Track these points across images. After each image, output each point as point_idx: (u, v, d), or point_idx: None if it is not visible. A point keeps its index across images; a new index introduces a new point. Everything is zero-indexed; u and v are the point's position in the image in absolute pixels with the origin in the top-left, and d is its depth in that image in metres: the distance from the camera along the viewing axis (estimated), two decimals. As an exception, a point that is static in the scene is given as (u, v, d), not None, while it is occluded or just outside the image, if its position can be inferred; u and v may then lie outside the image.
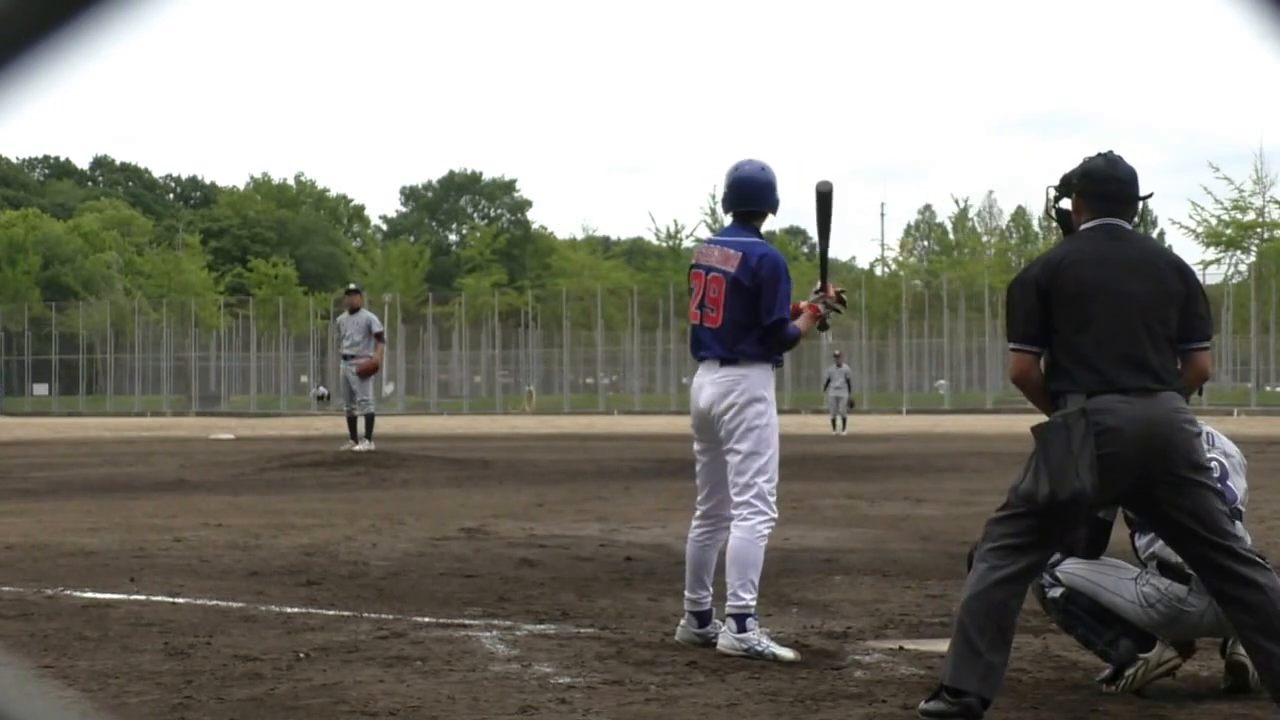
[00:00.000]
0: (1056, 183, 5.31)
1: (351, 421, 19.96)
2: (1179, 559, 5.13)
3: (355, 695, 5.25)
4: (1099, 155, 5.24)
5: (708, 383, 6.39)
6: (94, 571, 8.73)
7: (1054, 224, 5.47)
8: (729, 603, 6.16)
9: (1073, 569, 5.36)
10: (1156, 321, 4.92)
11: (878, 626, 6.84)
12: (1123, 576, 5.38)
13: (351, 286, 21.72)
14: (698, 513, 6.53)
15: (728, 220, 6.70)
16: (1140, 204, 5.20)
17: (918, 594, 7.88)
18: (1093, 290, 4.94)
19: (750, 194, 6.52)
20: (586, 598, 7.72)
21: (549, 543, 10.22)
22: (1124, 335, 4.88)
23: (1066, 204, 5.24)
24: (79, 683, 5.50)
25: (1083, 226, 5.12)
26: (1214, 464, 5.16)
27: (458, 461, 19.70)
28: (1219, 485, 4.97)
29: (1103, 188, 5.10)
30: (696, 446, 6.51)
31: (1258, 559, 4.84)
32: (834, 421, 33.39)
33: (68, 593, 7.85)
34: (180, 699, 5.20)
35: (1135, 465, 4.78)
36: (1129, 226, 5.13)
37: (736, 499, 6.25)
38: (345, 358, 19.85)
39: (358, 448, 19.53)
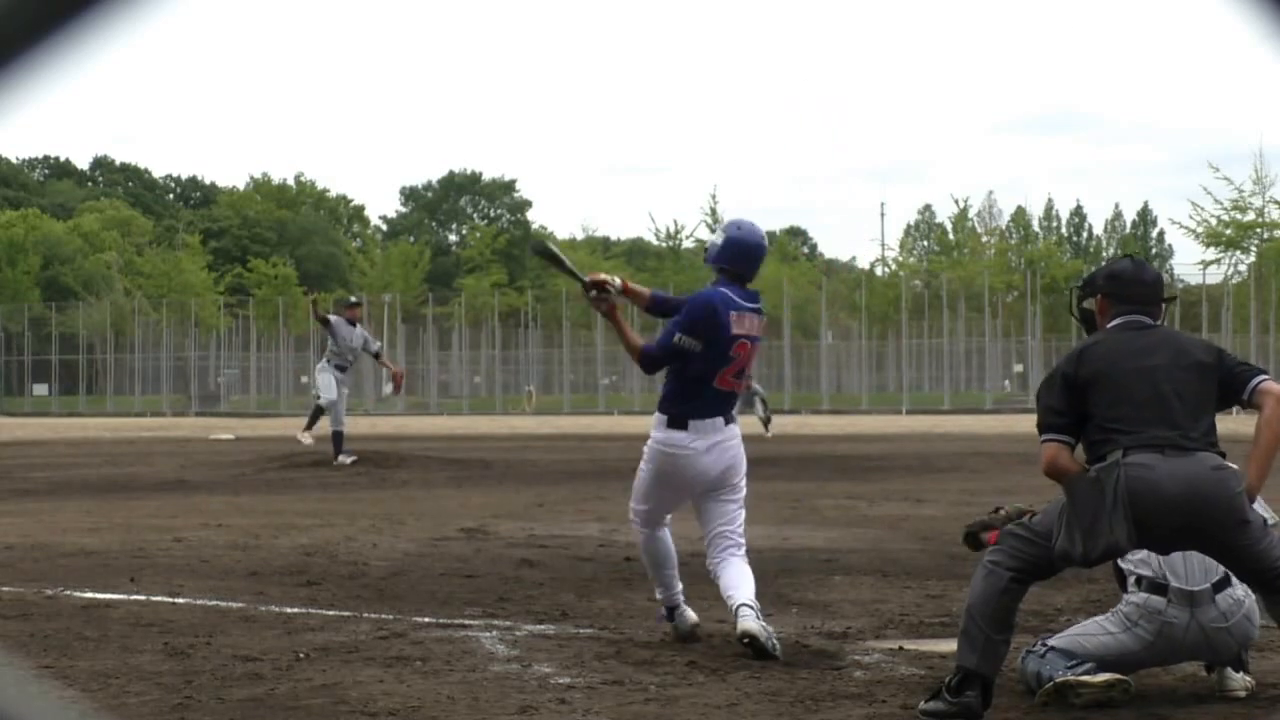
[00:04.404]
0: (1080, 283, 5.49)
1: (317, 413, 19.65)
2: (1160, 574, 5.15)
3: (355, 695, 5.25)
4: (1126, 257, 5.45)
5: None
6: (94, 571, 8.74)
7: (1076, 319, 5.59)
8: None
9: (1054, 638, 5.37)
10: (1185, 388, 4.97)
11: (878, 626, 6.84)
12: (1097, 619, 5.39)
13: (352, 299, 21.36)
14: None
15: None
16: (1165, 305, 5.35)
17: (918, 594, 7.88)
18: (1118, 370, 5.01)
19: (757, 267, 6.68)
20: (586, 598, 7.72)
21: (549, 543, 10.22)
22: (1154, 402, 4.93)
23: (1090, 304, 5.36)
24: (79, 683, 5.51)
25: (1109, 325, 5.21)
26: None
27: (458, 461, 19.70)
28: (1259, 529, 4.90)
29: (1129, 290, 5.23)
30: None
31: None
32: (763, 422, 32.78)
33: (68, 593, 7.85)
34: (180, 699, 5.21)
35: (1175, 519, 4.79)
36: (1154, 322, 5.22)
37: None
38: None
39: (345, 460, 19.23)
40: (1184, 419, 4.90)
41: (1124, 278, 5.26)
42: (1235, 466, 4.98)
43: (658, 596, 6.63)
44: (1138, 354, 5.03)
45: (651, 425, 6.57)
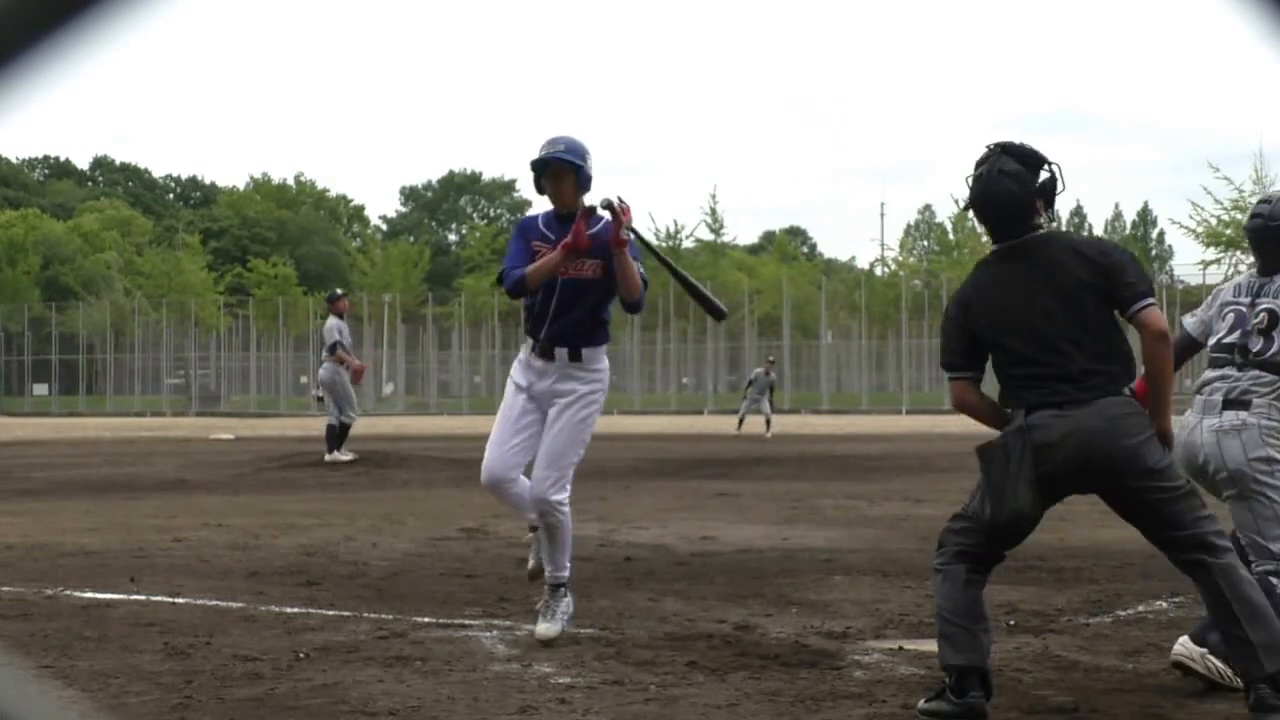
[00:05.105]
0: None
1: (344, 429, 19.24)
2: None
3: (355, 695, 5.25)
4: (979, 167, 4.97)
5: None
6: (94, 571, 8.73)
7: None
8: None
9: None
10: (1073, 326, 4.82)
11: (878, 626, 6.83)
12: None
13: (338, 291, 21.01)
14: None
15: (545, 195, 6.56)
16: (1043, 200, 4.93)
17: (918, 594, 7.87)
18: (1002, 319, 4.91)
19: None
20: (586, 598, 7.70)
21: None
22: (1045, 352, 4.83)
23: None
24: (79, 683, 5.50)
25: (988, 254, 5.09)
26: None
27: (458, 461, 19.68)
28: (1173, 482, 4.81)
29: (982, 221, 5.01)
30: None
31: (1211, 543, 4.77)
32: (741, 420, 31.79)
33: (68, 593, 7.85)
34: (180, 699, 5.20)
35: (1077, 476, 4.79)
36: (1035, 234, 4.92)
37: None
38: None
39: (343, 458, 19.11)
40: (1080, 365, 4.78)
41: (973, 203, 4.96)
42: (1140, 408, 4.84)
43: (567, 573, 6.53)
44: (1018, 297, 4.86)
45: (591, 361, 6.41)
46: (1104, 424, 4.73)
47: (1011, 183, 4.88)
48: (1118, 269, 4.85)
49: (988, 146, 4.98)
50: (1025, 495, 4.74)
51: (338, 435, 19.09)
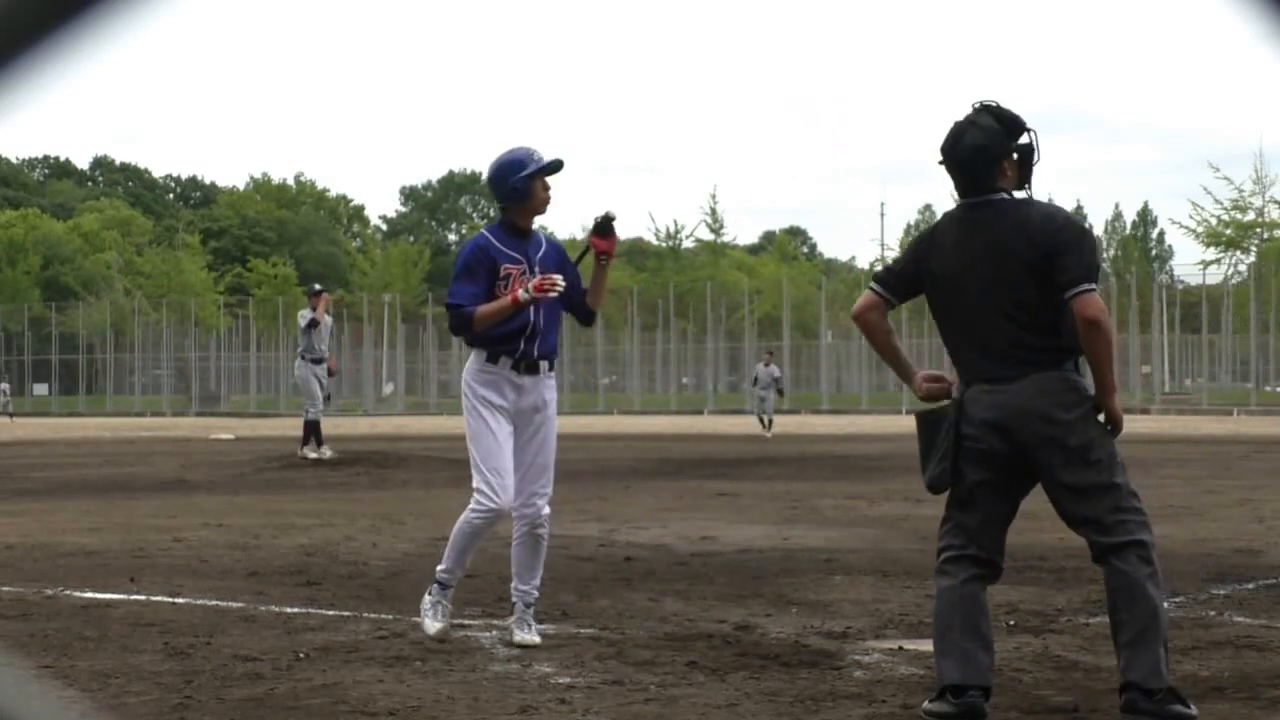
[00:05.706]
0: None
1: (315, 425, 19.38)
2: None
3: (355, 695, 5.25)
4: (963, 117, 4.89)
5: None
6: (94, 571, 8.74)
7: None
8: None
9: None
10: (1011, 304, 4.74)
11: (878, 626, 6.83)
12: None
13: (317, 286, 20.89)
14: None
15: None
16: (1016, 165, 4.83)
17: (918, 594, 7.87)
18: (949, 284, 4.87)
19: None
20: (586, 598, 7.71)
21: (549, 542, 10.20)
22: (981, 325, 4.80)
23: None
24: (79, 683, 5.50)
25: (955, 206, 5.01)
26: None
27: (458, 461, 19.61)
28: (1096, 470, 4.72)
29: (949, 172, 4.88)
30: None
31: (1118, 544, 4.72)
32: (761, 420, 31.99)
33: (68, 593, 7.85)
34: (180, 699, 5.20)
35: (1005, 454, 4.77)
36: (995, 197, 4.81)
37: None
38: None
39: (325, 454, 19.25)
40: (1014, 341, 4.74)
41: (943, 152, 4.88)
42: (1078, 385, 4.77)
43: (444, 569, 6.48)
44: (967, 265, 4.79)
45: (554, 368, 6.51)
46: (1028, 400, 4.71)
47: (979, 134, 4.82)
48: (1059, 251, 4.71)
49: (973, 105, 4.93)
50: (936, 467, 4.87)
51: (313, 431, 19.36)
